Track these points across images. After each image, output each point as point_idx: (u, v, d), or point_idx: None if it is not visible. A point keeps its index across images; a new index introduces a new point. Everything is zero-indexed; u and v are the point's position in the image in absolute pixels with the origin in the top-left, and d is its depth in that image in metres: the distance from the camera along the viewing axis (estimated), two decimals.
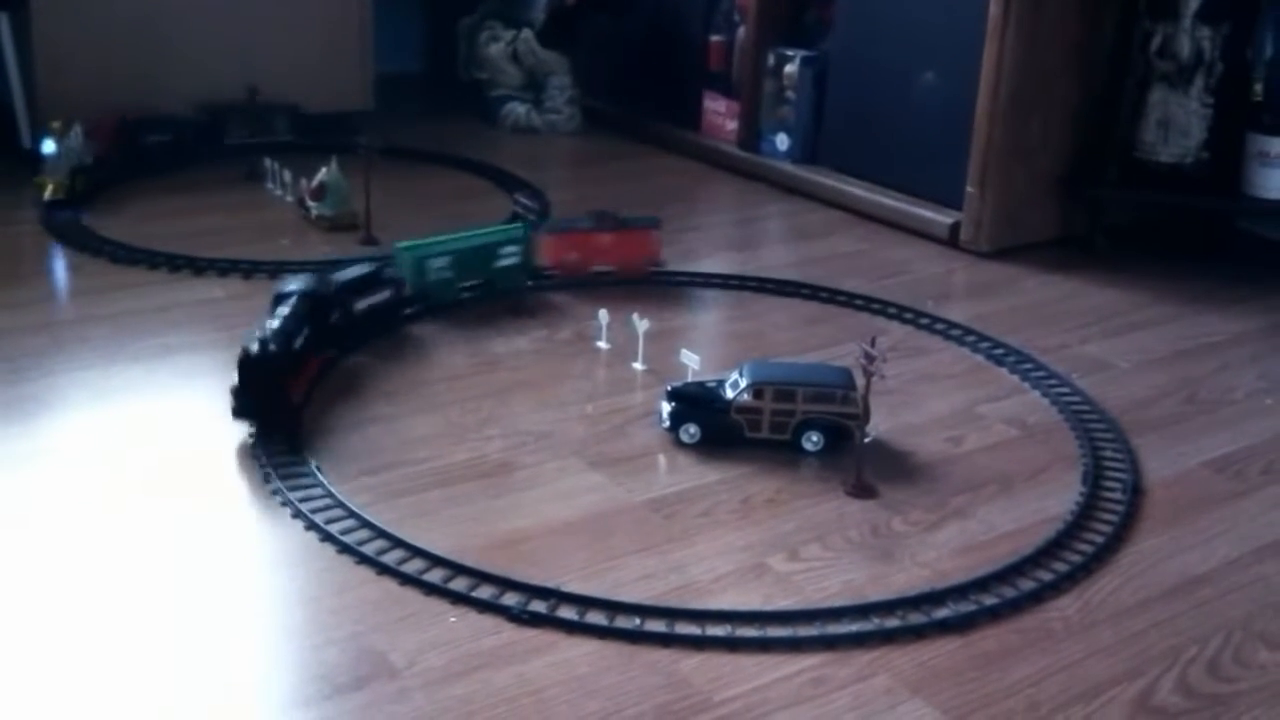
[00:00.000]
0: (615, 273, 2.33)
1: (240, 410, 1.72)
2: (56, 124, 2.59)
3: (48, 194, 2.54)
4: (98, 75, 2.81)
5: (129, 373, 1.92)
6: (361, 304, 2.04)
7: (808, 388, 1.76)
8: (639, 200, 2.84)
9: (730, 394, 1.78)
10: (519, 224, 2.33)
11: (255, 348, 1.71)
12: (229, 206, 2.67)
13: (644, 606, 1.42)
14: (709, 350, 1.99)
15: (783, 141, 3.01)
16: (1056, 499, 1.70)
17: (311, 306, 1.87)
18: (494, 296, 2.22)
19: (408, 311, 2.14)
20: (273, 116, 2.97)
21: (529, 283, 2.28)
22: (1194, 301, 2.42)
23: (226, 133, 2.95)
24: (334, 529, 1.52)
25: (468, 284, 2.21)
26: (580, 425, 1.83)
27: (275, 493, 1.60)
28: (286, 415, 1.75)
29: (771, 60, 3.01)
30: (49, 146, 2.57)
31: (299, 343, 1.80)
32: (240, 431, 1.73)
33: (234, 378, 1.72)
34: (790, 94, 2.98)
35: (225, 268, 2.30)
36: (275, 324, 1.78)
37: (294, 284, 1.91)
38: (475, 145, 3.16)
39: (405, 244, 2.18)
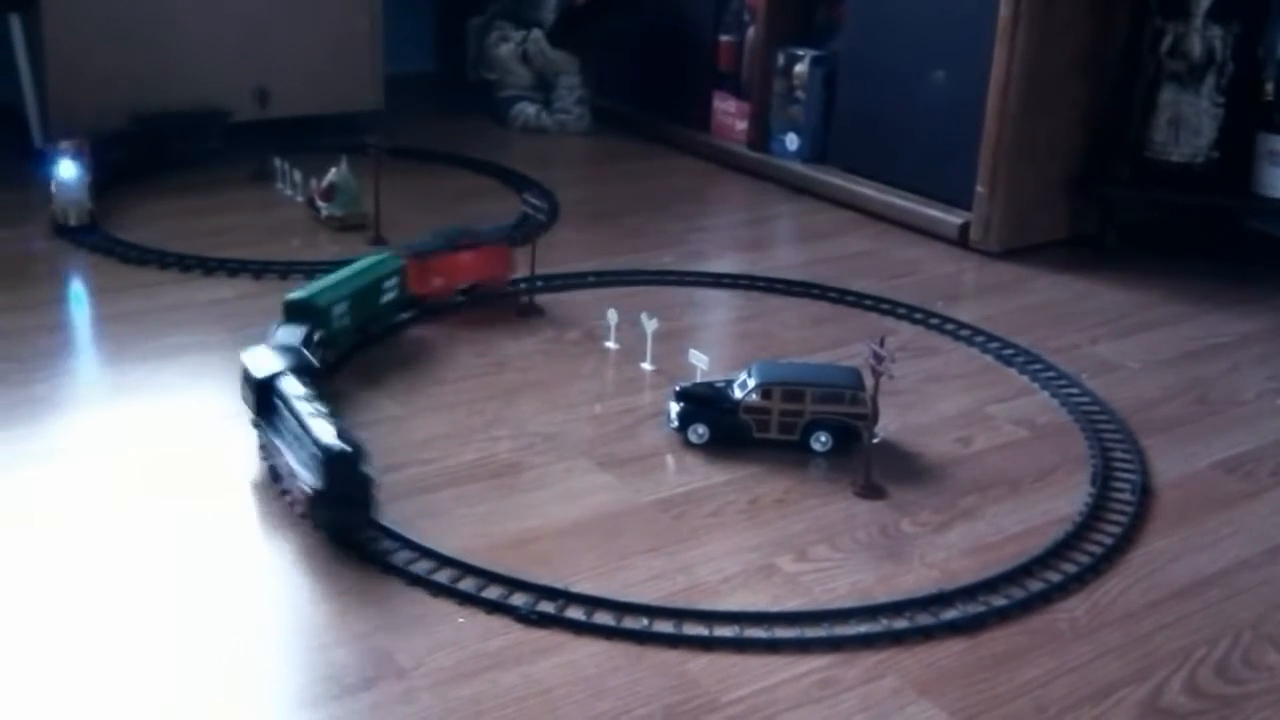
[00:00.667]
0: (476, 290, 2.21)
1: (334, 522, 1.53)
2: (68, 144, 2.45)
3: (73, 220, 2.43)
4: (109, 77, 2.82)
5: (139, 372, 1.92)
6: None
7: (816, 388, 1.76)
8: (648, 200, 2.85)
9: (739, 394, 1.78)
10: (393, 254, 2.13)
11: (340, 445, 1.50)
12: (239, 207, 2.67)
13: (652, 607, 1.42)
14: (718, 350, 1.99)
15: (792, 141, 3.01)
16: (1065, 500, 1.70)
17: (312, 381, 1.67)
18: (373, 338, 2.05)
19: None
20: (206, 127, 2.90)
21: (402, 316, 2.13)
22: (1204, 301, 2.41)
23: (168, 146, 2.87)
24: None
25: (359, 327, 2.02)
26: (589, 426, 1.83)
27: (283, 493, 1.60)
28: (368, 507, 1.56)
29: (781, 60, 3.01)
30: (69, 170, 2.43)
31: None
32: (248, 430, 1.73)
33: (306, 476, 1.52)
34: (800, 94, 2.98)
35: (235, 268, 2.30)
36: (323, 418, 1.55)
37: (272, 364, 1.67)
38: (485, 145, 3.16)
39: (300, 295, 1.92)
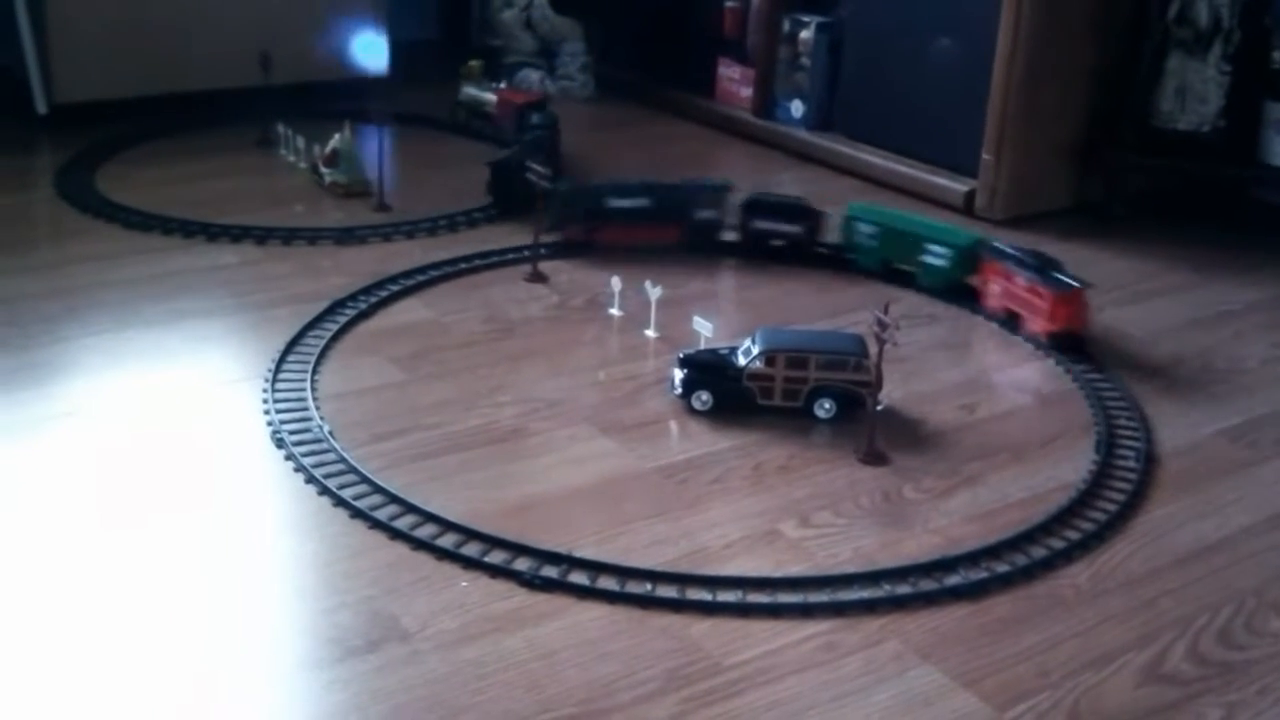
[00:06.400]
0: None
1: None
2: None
3: None
4: (112, 41, 2.80)
5: (142, 338, 1.92)
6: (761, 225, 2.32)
7: (820, 355, 1.76)
8: (653, 167, 2.83)
9: (743, 361, 1.78)
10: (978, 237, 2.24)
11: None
12: (242, 172, 2.66)
13: (655, 572, 1.42)
14: (722, 317, 1.99)
15: (797, 108, 3.00)
16: (1069, 467, 1.70)
17: (660, 189, 2.33)
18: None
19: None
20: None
21: None
22: (1209, 270, 2.40)
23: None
24: (347, 494, 1.53)
25: None
26: (593, 392, 1.83)
27: (288, 458, 1.60)
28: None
29: (786, 26, 3.00)
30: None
31: (620, 203, 2.27)
32: (254, 397, 1.74)
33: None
34: (805, 60, 2.97)
35: (238, 234, 2.30)
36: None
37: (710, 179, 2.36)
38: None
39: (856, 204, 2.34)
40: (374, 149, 2.47)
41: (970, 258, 2.17)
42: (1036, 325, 2.03)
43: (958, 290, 2.18)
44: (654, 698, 1.25)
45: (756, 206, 2.34)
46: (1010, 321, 2.09)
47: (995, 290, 2.12)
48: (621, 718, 1.22)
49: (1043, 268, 2.06)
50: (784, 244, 2.32)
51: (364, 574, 1.40)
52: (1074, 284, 2.03)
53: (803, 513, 1.56)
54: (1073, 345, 2.02)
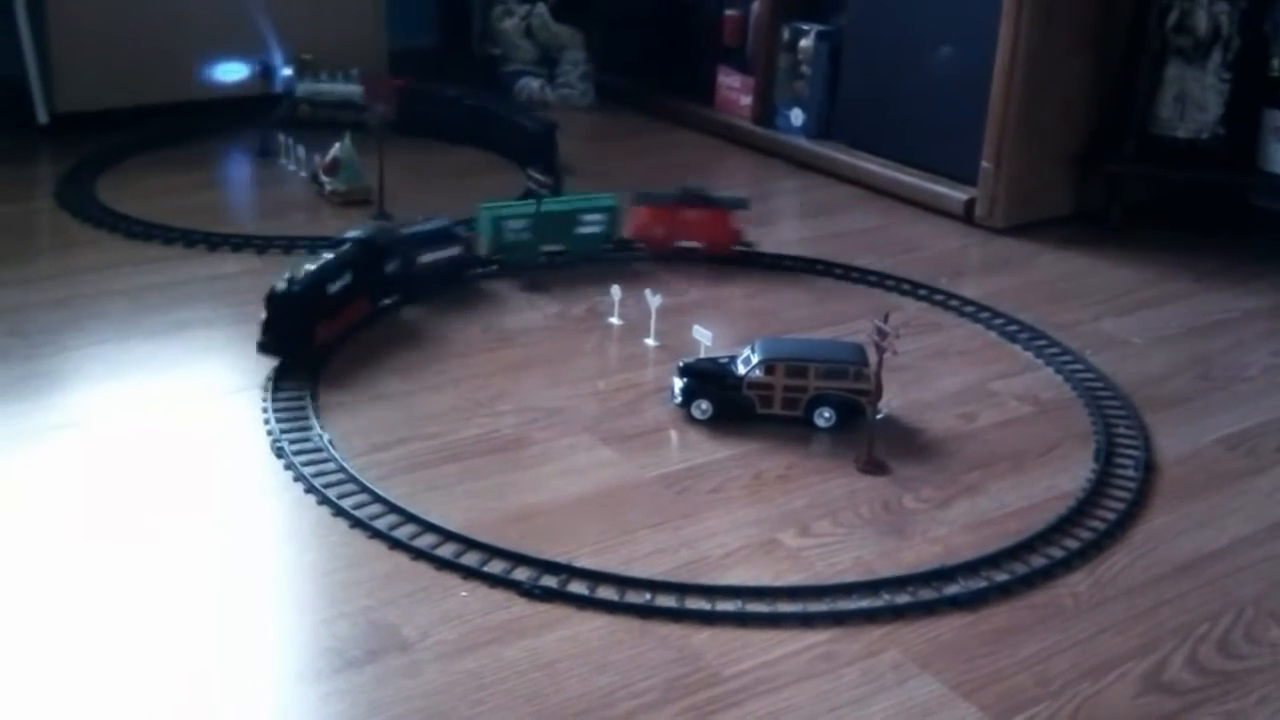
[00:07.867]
0: (698, 251, 2.35)
1: (264, 345, 1.83)
2: None
3: None
4: (112, 51, 2.81)
5: (143, 348, 1.92)
6: (426, 258, 2.13)
7: (820, 364, 1.76)
8: (653, 176, 2.83)
9: (742, 370, 1.78)
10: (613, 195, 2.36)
11: (282, 286, 1.82)
12: (243, 182, 2.67)
13: (655, 581, 1.42)
14: (722, 326, 1.98)
15: (797, 117, 3.00)
16: (1069, 476, 1.70)
17: (361, 254, 1.97)
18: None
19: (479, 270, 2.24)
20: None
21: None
22: (1208, 278, 2.41)
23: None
24: (346, 504, 1.53)
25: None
26: (592, 401, 1.84)
27: (288, 468, 1.61)
28: (307, 351, 1.85)
29: (786, 35, 3.00)
30: None
31: (335, 287, 1.89)
32: (254, 407, 1.74)
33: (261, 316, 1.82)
34: (805, 69, 2.97)
35: (239, 243, 2.30)
36: (311, 267, 1.87)
37: (353, 232, 2.01)
38: None
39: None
40: (374, 157, 2.47)
41: (619, 215, 2.32)
42: (720, 244, 2.32)
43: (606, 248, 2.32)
44: (653, 708, 1.25)
45: (413, 240, 2.12)
46: (684, 254, 2.31)
47: (660, 232, 2.32)
48: None
49: (703, 197, 2.32)
50: (445, 267, 2.16)
51: (363, 584, 1.40)
52: (740, 198, 2.36)
53: (802, 522, 1.57)
54: (749, 253, 2.34)
